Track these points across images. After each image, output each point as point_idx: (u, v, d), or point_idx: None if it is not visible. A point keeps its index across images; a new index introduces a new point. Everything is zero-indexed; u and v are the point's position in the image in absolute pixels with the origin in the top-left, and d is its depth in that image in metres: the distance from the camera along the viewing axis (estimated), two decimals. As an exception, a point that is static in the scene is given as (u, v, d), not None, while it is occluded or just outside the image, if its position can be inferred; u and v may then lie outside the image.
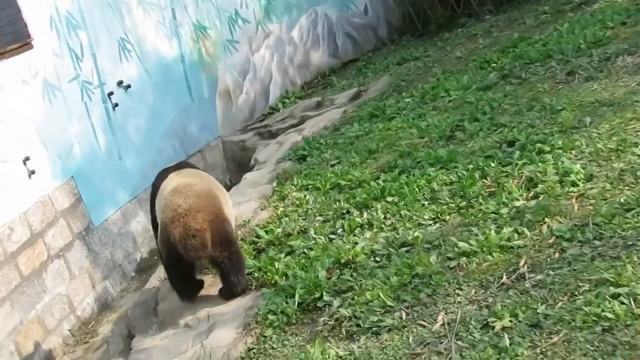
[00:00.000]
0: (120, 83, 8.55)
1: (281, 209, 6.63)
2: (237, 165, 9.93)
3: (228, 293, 5.41)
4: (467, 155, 6.15)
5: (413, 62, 10.83)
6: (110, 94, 8.36)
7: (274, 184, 7.37)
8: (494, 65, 8.59)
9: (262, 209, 6.83)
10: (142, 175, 8.61)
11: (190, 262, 5.40)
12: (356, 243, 5.38)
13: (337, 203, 6.21)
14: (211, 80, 10.25)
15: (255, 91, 11.19)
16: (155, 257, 8.29)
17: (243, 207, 6.93)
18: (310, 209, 6.39)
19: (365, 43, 13.44)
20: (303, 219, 6.23)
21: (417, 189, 5.83)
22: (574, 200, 4.77)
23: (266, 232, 6.18)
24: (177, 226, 5.20)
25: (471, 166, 5.81)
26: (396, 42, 13.31)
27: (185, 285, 5.61)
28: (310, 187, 6.92)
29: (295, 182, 7.13)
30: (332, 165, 7.33)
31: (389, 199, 5.88)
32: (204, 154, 9.77)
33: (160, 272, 6.49)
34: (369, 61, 12.50)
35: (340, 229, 5.71)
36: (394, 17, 13.88)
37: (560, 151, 5.50)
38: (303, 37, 12.35)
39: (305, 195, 6.71)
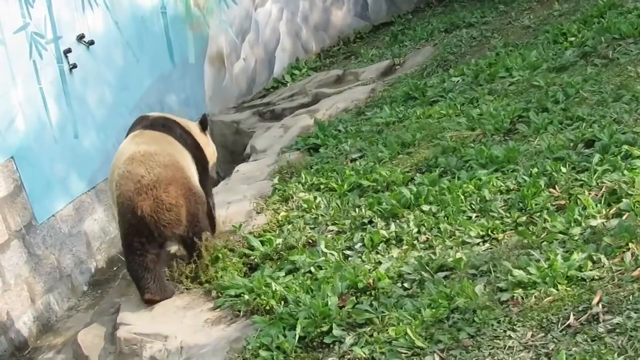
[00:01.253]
0: (81, 38, 8.61)
1: (283, 214, 6.67)
2: (227, 153, 9.97)
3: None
4: (531, 155, 6.17)
5: (465, 30, 10.88)
6: (68, 51, 8.41)
7: (275, 181, 7.41)
8: (573, 39, 8.61)
9: (258, 212, 6.87)
10: (103, 159, 8.66)
11: (159, 243, 5.88)
12: (379, 263, 5.41)
13: (357, 210, 6.25)
14: (200, 40, 10.31)
15: (256, 57, 11.24)
16: (115, 268, 8.36)
17: (233, 208, 6.99)
18: (322, 215, 6.42)
19: (404, 1, 13.49)
20: (311, 228, 6.27)
21: (462, 197, 5.85)
22: (668, 222, 4.78)
23: (262, 242, 6.22)
24: (145, 199, 5.77)
25: (535, 170, 5.83)
26: (445, 2, 13.35)
27: (149, 278, 5.91)
28: (322, 186, 6.95)
29: (304, 180, 7.17)
30: (353, 160, 7.37)
31: (425, 207, 5.91)
32: (185, 136, 9.84)
33: (121, 289, 6.53)
34: (407, 26, 12.54)
35: (360, 244, 5.74)
36: (444, -30, 13.92)
37: (654, 157, 5.52)
38: (323, -9, 12.42)
39: (315, 198, 6.75)
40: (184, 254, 6.22)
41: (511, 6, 11.40)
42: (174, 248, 6.40)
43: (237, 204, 7.04)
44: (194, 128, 6.79)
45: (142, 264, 5.90)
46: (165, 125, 6.57)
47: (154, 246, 5.88)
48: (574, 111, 6.72)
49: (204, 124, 6.91)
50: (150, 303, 5.94)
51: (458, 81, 8.62)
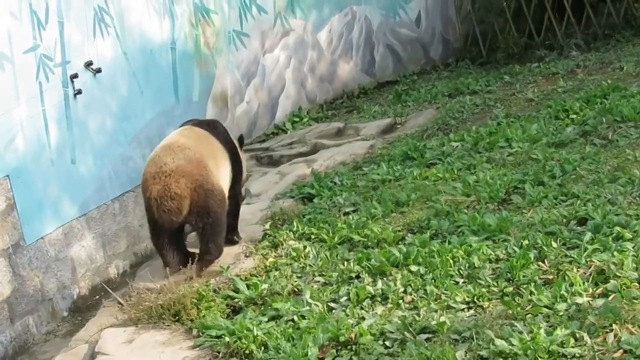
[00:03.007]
0: (88, 64, 8.67)
1: (271, 260, 6.69)
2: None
3: (199, 259, 6.81)
4: (523, 227, 6.22)
5: (469, 97, 10.99)
6: (74, 76, 8.47)
7: (267, 226, 7.44)
8: (574, 117, 8.71)
9: (246, 256, 6.89)
10: (97, 187, 8.69)
11: (163, 226, 6.67)
12: (363, 318, 5.42)
13: (346, 263, 6.27)
14: (206, 79, 10.39)
15: (259, 102, 11.32)
16: (98, 297, 8.34)
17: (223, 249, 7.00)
18: (310, 265, 6.45)
19: (411, 62, 13.63)
20: (298, 277, 6.29)
21: (451, 261, 5.89)
22: (653, 307, 4.81)
23: (248, 286, 6.23)
24: (157, 183, 6.58)
25: (526, 242, 5.88)
26: (451, 68, 13.50)
27: (167, 254, 6.86)
28: (313, 236, 6.98)
29: (295, 228, 7.20)
30: (346, 214, 7.41)
31: (414, 268, 5.94)
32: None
33: (102, 318, 6.53)
34: (412, 86, 12.65)
35: (345, 298, 5.76)
36: (453, 35, 14.10)
37: (645, 241, 5.57)
38: (332, 42, 12.53)
39: (305, 247, 6.77)
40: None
41: (516, 78, 11.53)
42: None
43: (226, 245, 7.04)
44: (236, 141, 7.63)
45: (160, 239, 6.84)
46: (211, 125, 7.46)
47: (161, 227, 6.72)
48: (569, 188, 6.78)
49: (241, 141, 7.75)
50: (171, 273, 6.75)
51: (457, 146, 8.69)
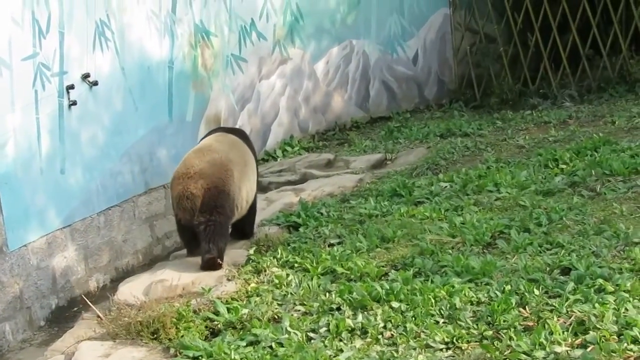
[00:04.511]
0: (85, 77, 8.69)
1: (253, 285, 6.69)
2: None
3: (201, 262, 7.17)
4: (507, 272, 6.24)
5: (460, 139, 11.06)
6: (71, 87, 8.49)
7: (251, 251, 7.45)
8: (564, 167, 8.76)
9: (229, 279, 6.89)
10: (84, 199, 8.68)
11: (185, 224, 7.26)
12: (341, 351, 5.42)
13: (327, 294, 6.28)
14: (200, 100, 10.42)
15: (252, 127, 11.35)
16: (76, 309, 8.31)
17: (203, 272, 7.01)
18: (291, 293, 6.45)
19: (405, 100, 13.70)
20: (279, 304, 6.29)
21: (433, 300, 5.90)
22: (630, 362, 4.84)
23: (228, 309, 6.23)
24: (180, 184, 7.20)
25: (508, 288, 5.90)
26: (444, 108, 13.58)
27: (191, 245, 7.43)
28: (296, 265, 6.99)
29: (279, 255, 7.20)
30: (331, 245, 7.42)
31: (395, 304, 5.94)
32: (168, 191, 9.83)
33: (79, 330, 6.51)
34: (404, 124, 12.71)
35: (325, 329, 5.76)
36: (448, 76, 14.19)
37: (627, 295, 5.58)
38: (329, 74, 12.60)
39: (287, 275, 6.78)
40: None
41: (508, 124, 11.61)
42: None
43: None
44: None
45: (187, 235, 7.43)
46: (242, 133, 8.34)
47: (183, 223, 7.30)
48: (554, 237, 6.81)
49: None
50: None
51: (446, 187, 8.72)
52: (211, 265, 7.10)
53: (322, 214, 8.40)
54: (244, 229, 7.95)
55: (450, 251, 6.84)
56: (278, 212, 8.65)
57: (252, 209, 7.95)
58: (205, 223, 7.08)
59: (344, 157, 11.06)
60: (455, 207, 8.02)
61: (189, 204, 7.11)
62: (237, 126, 11.00)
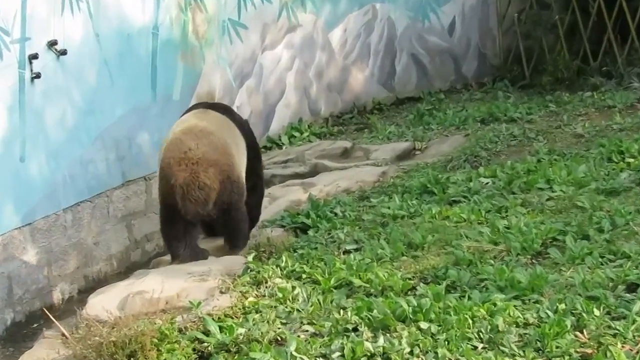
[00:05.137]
0: (52, 44, 8.66)
1: (252, 299, 6.65)
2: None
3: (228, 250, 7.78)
4: (560, 288, 6.18)
5: (505, 125, 11.03)
6: (34, 57, 8.46)
7: (250, 258, 7.41)
8: (631, 160, 8.73)
9: (222, 292, 6.85)
10: (48, 192, 8.64)
11: (186, 216, 7.40)
12: (358, 381, 5.40)
13: (342, 312, 6.23)
14: (191, 74, 10.39)
15: (252, 108, 11.33)
16: (35, 325, 8.30)
17: (193, 281, 6.98)
18: (298, 310, 6.41)
19: (439, 77, 13.67)
20: (282, 323, 6.24)
21: (470, 321, 5.85)
22: None
23: (221, 328, 6.18)
24: (184, 170, 7.32)
25: (562, 306, 5.84)
26: (486, 88, 13.55)
27: (179, 246, 7.60)
28: (304, 276, 6.94)
29: (283, 264, 7.16)
30: (346, 252, 7.38)
31: (424, 325, 5.89)
32: (150, 183, 9.85)
33: (40, 351, 6.49)
34: (437, 106, 12.68)
35: (338, 354, 5.71)
36: (491, 49, 14.16)
37: None
38: (346, 45, 12.58)
39: (293, 287, 6.73)
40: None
41: (564, 108, 11.55)
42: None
43: (198, 277, 7.03)
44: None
45: (174, 234, 7.59)
46: (226, 109, 8.43)
47: (180, 217, 7.42)
48: (619, 245, 6.75)
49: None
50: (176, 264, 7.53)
51: (487, 183, 8.69)
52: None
53: (336, 214, 8.37)
54: (248, 207, 8.17)
55: (491, 261, 6.79)
56: (283, 212, 8.63)
57: (257, 192, 8.34)
58: (225, 220, 7.71)
59: (364, 146, 11.04)
60: (498, 208, 7.98)
61: (202, 195, 7.36)
62: (234, 106, 10.97)
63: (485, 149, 10.00)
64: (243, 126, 8.29)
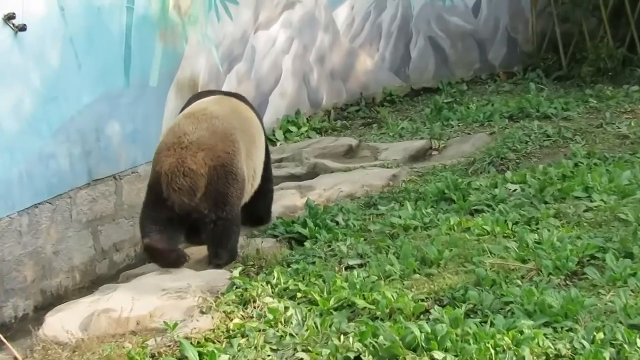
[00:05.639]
0: (9, 18, 8.65)
1: (237, 321, 6.66)
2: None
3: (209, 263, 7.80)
4: (598, 314, 6.18)
5: (537, 123, 11.07)
6: (-13, 31, 8.48)
7: (236, 273, 7.42)
8: (684, 167, 8.73)
9: (202, 312, 6.86)
10: (1, 191, 8.63)
11: (169, 205, 7.52)
12: (360, 420, 5.41)
13: (342, 338, 6.23)
14: (171, 56, 10.39)
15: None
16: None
17: (169, 299, 7.00)
18: (291, 334, 6.41)
19: (461, 65, 13.69)
20: (273, 349, 6.25)
21: (492, 351, 5.85)
22: None
23: (200, 354, 6.19)
24: (171, 155, 7.53)
25: (601, 336, 5.85)
26: (516, 79, 13.57)
27: (154, 229, 7.66)
28: (299, 295, 6.95)
29: (275, 280, 7.17)
30: (349, 268, 7.39)
31: (438, 355, 5.89)
32: (120, 184, 9.86)
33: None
34: (458, 99, 12.69)
35: (337, 387, 5.74)
36: (523, 34, 14.18)
37: None
38: (353, 25, 12.60)
39: (286, 308, 6.74)
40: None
41: (606, 103, 11.58)
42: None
43: (175, 294, 7.04)
44: None
45: (153, 217, 7.72)
46: (241, 97, 8.74)
47: (165, 207, 7.56)
48: (669, 266, 6.78)
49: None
50: (149, 251, 7.76)
51: (515, 190, 8.71)
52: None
53: (337, 223, 8.40)
54: (257, 212, 8.54)
55: (518, 282, 6.79)
56: (275, 219, 8.64)
57: (266, 189, 8.59)
58: (213, 222, 7.65)
59: (372, 144, 11.05)
60: (528, 220, 7.99)
61: (187, 182, 7.49)
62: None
63: (513, 150, 10.01)
64: (259, 117, 8.58)
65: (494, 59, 13.99)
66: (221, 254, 7.80)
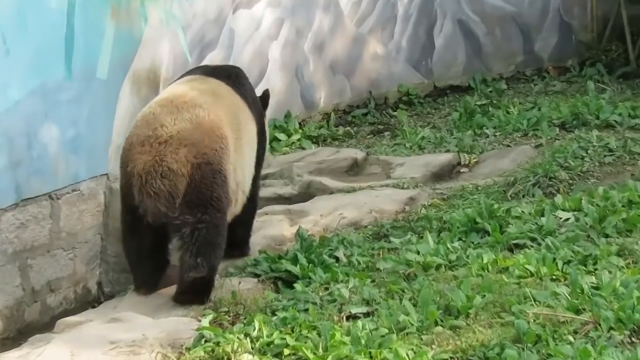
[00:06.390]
0: None
1: (207, 386, 6.68)
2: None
3: (179, 287, 7.85)
4: (673, 383, 6.19)
5: (597, 133, 11.09)
6: None
7: (205, 322, 7.42)
8: None
9: (161, 372, 6.88)
10: None
11: (145, 218, 7.59)
12: None
13: (342, 411, 6.27)
14: (125, 42, 10.39)
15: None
16: None
17: (120, 354, 6.98)
18: (277, 407, 6.43)
19: (499, 57, 13.74)
20: None
21: None
22: None
23: None
24: (146, 152, 7.59)
25: (676, 411, 5.86)
26: (570, 75, 13.58)
27: (142, 267, 7.94)
28: (287, 352, 6.94)
29: (256, 332, 7.16)
30: (351, 318, 7.39)
31: None
32: (57, 205, 9.86)
33: None
34: (494, 100, 12.74)
35: None
36: (579, 19, 14.22)
37: None
38: (361, 4, 12.63)
39: (271, 369, 6.76)
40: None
41: (687, 108, 11.63)
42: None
43: (127, 348, 7.04)
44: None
45: (134, 243, 7.94)
46: (233, 76, 8.69)
47: (139, 218, 7.66)
48: None
49: (265, 102, 8.93)
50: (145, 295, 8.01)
51: (568, 219, 8.71)
52: (197, 290, 7.66)
53: (337, 259, 8.40)
54: (234, 237, 8.35)
55: (570, 338, 6.79)
56: (257, 253, 8.62)
57: (251, 204, 8.56)
58: (193, 225, 7.57)
59: (383, 157, 11.08)
60: (582, 258, 7.99)
61: (166, 185, 7.52)
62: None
63: (565, 167, 10.01)
64: (256, 106, 8.61)
65: (542, 49, 14.02)
66: (199, 266, 7.64)
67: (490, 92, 13.06)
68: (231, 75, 8.64)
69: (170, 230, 7.70)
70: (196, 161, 7.49)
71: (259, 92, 11.32)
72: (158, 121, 7.63)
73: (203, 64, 11.20)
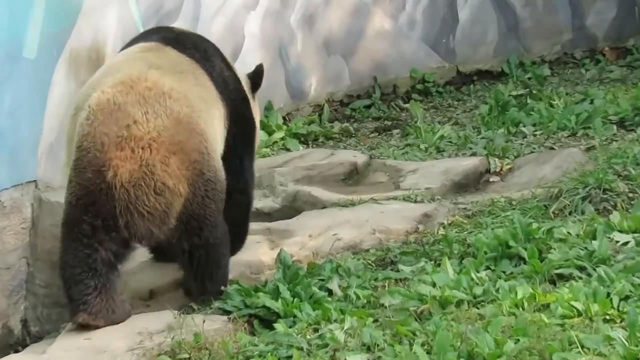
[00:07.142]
0: None
1: None
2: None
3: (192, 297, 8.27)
4: None
5: (666, 132, 11.08)
6: None
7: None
8: None
9: None
10: None
11: (123, 237, 7.69)
12: None
13: None
14: (59, 13, 10.42)
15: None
16: None
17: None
18: None
19: (539, 35, 13.79)
20: None
21: None
22: None
23: None
24: (129, 158, 7.58)
25: None
26: (632, 58, 13.62)
27: (91, 286, 7.69)
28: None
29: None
30: (349, 370, 7.42)
31: None
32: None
33: None
34: (535, 90, 12.76)
35: None
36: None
37: None
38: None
39: None
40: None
41: None
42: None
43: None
44: (243, 78, 8.70)
45: (86, 261, 7.72)
46: (199, 49, 8.56)
47: (113, 238, 7.73)
48: None
49: (256, 80, 8.98)
50: (86, 328, 7.74)
51: (627, 243, 8.71)
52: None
53: (330, 292, 8.40)
54: None
55: (626, 395, 6.83)
56: (233, 286, 8.65)
57: (244, 197, 8.85)
58: (190, 249, 7.90)
59: (390, 162, 11.11)
60: (645, 294, 8.02)
61: (161, 203, 7.64)
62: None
63: (624, 177, 10.02)
64: (225, 84, 8.56)
65: (596, 26, 14.07)
66: (209, 288, 8.09)
67: (529, 79, 13.11)
68: (198, 48, 8.61)
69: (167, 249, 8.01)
70: (190, 174, 7.64)
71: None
72: (128, 115, 7.63)
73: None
